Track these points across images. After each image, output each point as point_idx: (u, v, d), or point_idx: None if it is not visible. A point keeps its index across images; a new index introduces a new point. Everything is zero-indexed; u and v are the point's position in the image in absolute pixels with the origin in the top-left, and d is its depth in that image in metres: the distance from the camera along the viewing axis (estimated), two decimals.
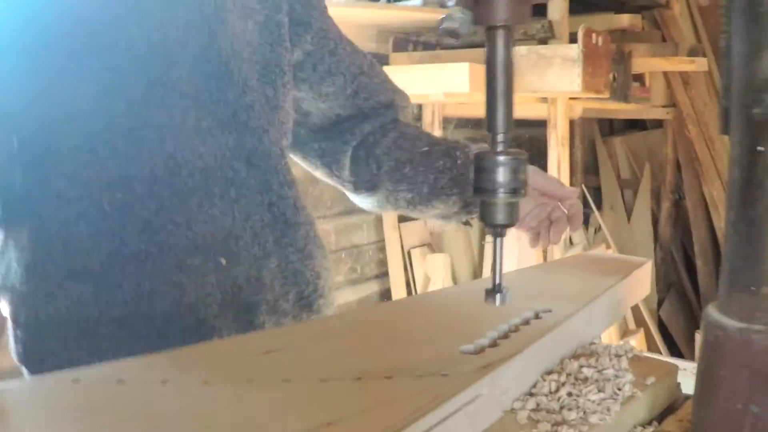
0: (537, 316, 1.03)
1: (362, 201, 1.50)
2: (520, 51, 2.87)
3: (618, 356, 1.01)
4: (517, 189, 0.87)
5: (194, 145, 1.16)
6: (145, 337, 1.13)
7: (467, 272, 3.81)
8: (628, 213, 5.25)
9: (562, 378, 0.91)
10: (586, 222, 4.71)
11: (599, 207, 5.27)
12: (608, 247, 3.77)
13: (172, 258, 1.15)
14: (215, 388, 0.79)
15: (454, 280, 3.61)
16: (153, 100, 1.13)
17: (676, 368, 1.01)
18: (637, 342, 3.81)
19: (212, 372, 0.83)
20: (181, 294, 1.15)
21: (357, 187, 1.47)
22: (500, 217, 0.87)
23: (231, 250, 1.20)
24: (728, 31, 0.75)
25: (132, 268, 1.13)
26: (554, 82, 2.81)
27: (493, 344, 0.91)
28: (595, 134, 5.53)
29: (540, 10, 3.29)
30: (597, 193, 5.46)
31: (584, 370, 0.94)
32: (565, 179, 3.18)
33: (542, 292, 1.14)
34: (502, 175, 0.86)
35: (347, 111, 1.44)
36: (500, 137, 0.86)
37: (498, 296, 0.89)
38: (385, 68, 2.85)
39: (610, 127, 5.76)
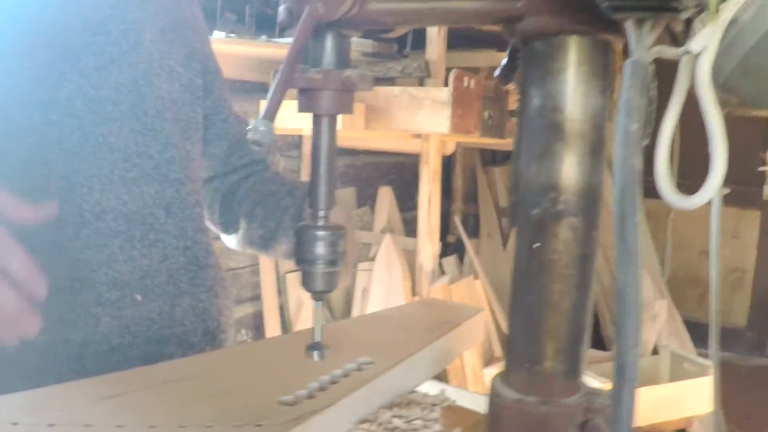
0: (359, 368, 1.12)
1: (229, 241, 1.66)
2: (394, 91, 2.99)
3: (433, 405, 1.12)
4: (334, 260, 0.97)
5: (119, 193, 1.29)
6: (64, 362, 1.24)
7: (340, 297, 3.91)
8: (504, 240, 5.42)
9: (373, 427, 1.01)
10: (462, 250, 4.86)
11: (477, 234, 5.43)
12: (476, 277, 3.90)
13: (92, 292, 1.26)
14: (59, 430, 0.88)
15: (326, 304, 3.70)
16: (85, 151, 1.26)
17: (483, 418, 1.11)
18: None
19: (59, 415, 0.92)
20: (97, 324, 1.26)
21: (225, 229, 1.64)
22: (320, 284, 0.97)
23: (147, 288, 1.33)
24: (519, 133, 0.86)
25: (56, 300, 1.20)
26: (425, 122, 2.94)
27: (311, 396, 1.01)
28: (476, 163, 5.70)
29: (419, 44, 3.41)
30: (476, 220, 5.62)
31: (395, 420, 1.04)
32: (436, 215, 3.30)
33: (370, 342, 1.24)
34: (321, 248, 0.96)
35: (224, 168, 1.62)
36: (321, 213, 0.96)
37: (316, 353, 0.99)
38: (262, 101, 2.95)
39: (493, 156, 5.94)
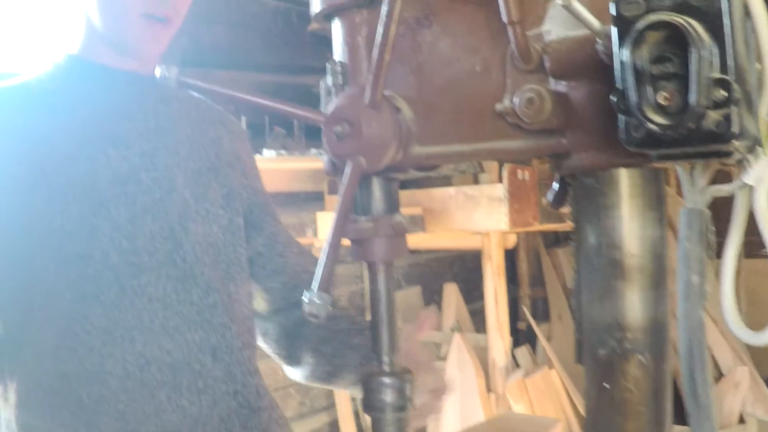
0: None
1: (293, 373, 1.61)
2: (449, 192, 2.99)
3: None
4: (403, 406, 0.95)
5: (162, 343, 1.29)
6: None
7: None
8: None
9: None
10: (533, 335, 4.79)
11: (547, 317, 5.34)
12: (550, 366, 3.83)
13: None
14: None
15: None
16: (124, 304, 1.26)
17: None
18: None
19: None
20: None
21: (289, 362, 1.60)
22: (390, 430, 0.95)
23: None
24: (577, 268, 0.84)
25: None
26: (483, 220, 2.92)
27: None
28: (539, 246, 5.64)
29: None
30: (545, 303, 5.54)
31: None
32: (504, 309, 3.26)
33: None
34: (388, 396, 0.94)
35: (286, 301, 1.57)
36: (386, 360, 0.95)
37: None
38: (319, 214, 2.97)
39: (555, 237, 5.88)
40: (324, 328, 1.52)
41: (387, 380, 0.94)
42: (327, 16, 0.98)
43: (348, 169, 0.83)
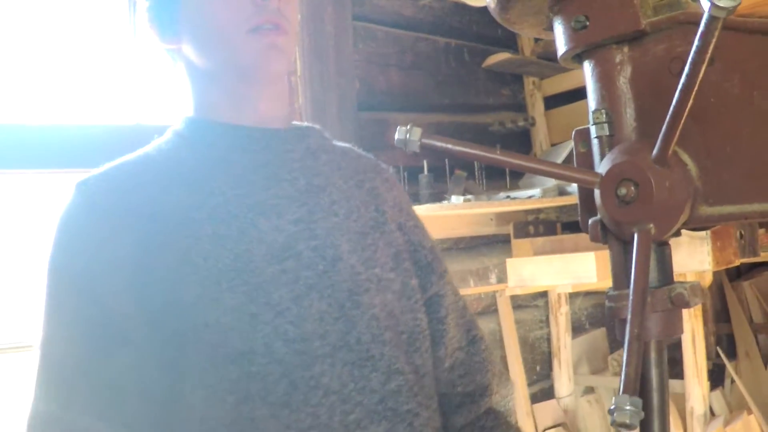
0: None
1: None
2: None
3: None
4: None
5: None
6: None
7: None
8: (765, 359, 5.03)
9: None
10: (721, 378, 4.54)
11: (734, 355, 5.08)
12: (749, 411, 3.59)
13: None
14: None
15: None
16: (296, 401, 1.09)
17: None
18: None
19: None
20: None
21: None
22: None
23: None
24: None
25: None
26: (685, 262, 2.74)
27: None
28: (723, 279, 5.37)
29: None
30: (730, 340, 5.27)
31: None
32: (702, 355, 3.07)
33: None
34: None
35: (440, 386, 1.34)
36: None
37: None
38: (509, 260, 2.85)
39: (737, 270, 5.60)
40: None
41: None
42: (577, 56, 0.86)
43: (637, 240, 0.70)
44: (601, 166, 0.76)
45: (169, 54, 1.26)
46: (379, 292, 1.20)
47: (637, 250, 0.70)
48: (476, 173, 3.15)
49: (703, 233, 2.70)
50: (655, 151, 0.70)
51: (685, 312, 2.79)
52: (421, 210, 2.68)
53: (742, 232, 3.40)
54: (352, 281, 1.17)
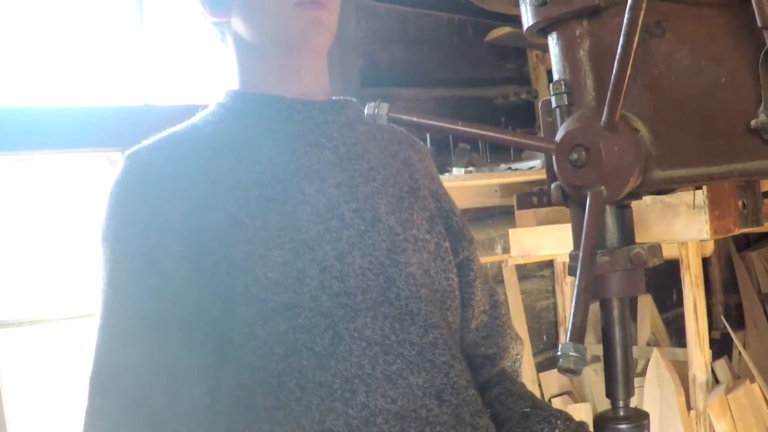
0: None
1: None
2: (645, 200, 2.85)
3: None
4: None
5: (385, 391, 1.17)
6: None
7: None
8: None
9: None
10: (729, 347, 4.57)
11: (742, 325, 5.10)
12: (752, 380, 3.62)
13: None
14: None
15: None
16: (341, 352, 1.16)
17: None
18: None
19: None
20: None
21: None
22: None
23: None
24: None
25: None
26: (683, 230, 2.77)
27: None
28: (731, 250, 5.39)
29: None
30: (739, 310, 5.29)
31: None
32: (704, 322, 3.11)
33: None
34: None
35: (465, 345, 1.41)
36: (621, 404, 0.87)
37: None
38: (511, 231, 2.90)
39: (747, 239, 5.61)
40: (503, 405, 1.38)
41: (623, 426, 0.86)
42: (541, 30, 0.91)
43: (589, 201, 0.75)
44: (558, 134, 0.81)
45: (217, 28, 1.33)
46: (416, 252, 1.28)
47: (588, 211, 0.76)
48: (480, 146, 3.18)
49: (700, 201, 2.73)
50: (603, 118, 0.75)
51: (686, 281, 2.84)
52: (448, 181, 2.73)
53: (745, 202, 3.42)
54: (391, 241, 1.25)
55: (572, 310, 0.74)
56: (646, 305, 4.14)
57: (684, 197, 2.78)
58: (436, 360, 1.23)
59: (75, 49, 2.70)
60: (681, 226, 2.76)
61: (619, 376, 0.87)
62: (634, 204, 2.38)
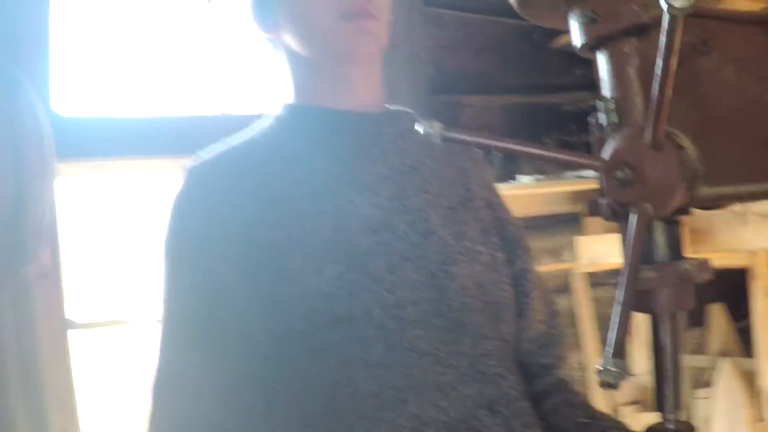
0: None
1: None
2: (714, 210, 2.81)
3: None
4: None
5: (436, 401, 1.18)
6: None
7: None
8: None
9: None
10: None
11: None
12: None
13: None
14: None
15: None
16: (392, 363, 1.18)
17: None
18: None
19: None
20: None
21: None
22: None
23: None
24: None
25: None
26: (753, 239, 2.73)
27: None
28: None
29: None
30: None
31: None
32: None
33: None
34: None
35: (521, 355, 1.40)
36: (670, 416, 0.88)
37: None
38: (579, 239, 2.88)
39: None
40: (560, 415, 1.38)
41: None
42: (591, 47, 0.92)
43: (633, 219, 0.77)
44: (605, 152, 0.82)
45: (270, 44, 1.36)
46: (469, 264, 1.28)
47: (633, 228, 0.77)
48: None
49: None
50: (648, 137, 0.76)
51: (756, 290, 2.80)
52: (510, 188, 2.73)
53: None
54: (443, 253, 1.26)
55: (613, 326, 0.75)
56: (718, 314, 4.08)
57: (754, 206, 2.74)
58: (488, 371, 1.24)
59: (156, 63, 2.80)
60: (750, 234, 2.73)
61: (668, 388, 0.88)
62: (702, 212, 2.36)
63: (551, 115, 3.57)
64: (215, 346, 1.21)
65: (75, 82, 2.69)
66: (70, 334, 2.47)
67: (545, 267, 3.12)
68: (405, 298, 1.20)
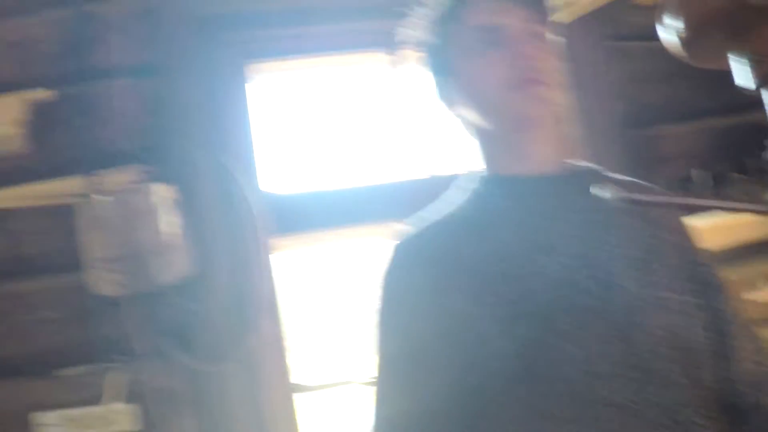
0: None
1: None
2: None
3: None
4: None
5: None
6: None
7: None
8: None
9: None
10: None
11: None
12: None
13: None
14: None
15: None
16: (585, 416, 1.21)
17: None
18: None
19: None
20: None
21: None
22: None
23: None
24: None
25: None
26: None
27: None
28: None
29: None
30: None
31: None
32: None
33: None
34: None
35: (728, 396, 1.36)
36: None
37: None
38: None
39: None
40: None
41: None
42: (758, 87, 0.94)
43: None
44: None
45: (459, 119, 1.47)
46: (657, 313, 1.30)
47: None
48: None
49: None
50: None
51: None
52: (704, 219, 2.65)
53: None
54: (629, 304, 1.28)
55: None
56: None
57: None
58: (680, 419, 1.23)
59: (352, 130, 2.95)
60: None
61: None
62: None
63: (749, 133, 3.45)
64: (417, 404, 1.31)
65: (283, 161, 2.88)
66: (296, 397, 2.61)
67: (762, 293, 2.98)
68: (593, 352, 1.23)
